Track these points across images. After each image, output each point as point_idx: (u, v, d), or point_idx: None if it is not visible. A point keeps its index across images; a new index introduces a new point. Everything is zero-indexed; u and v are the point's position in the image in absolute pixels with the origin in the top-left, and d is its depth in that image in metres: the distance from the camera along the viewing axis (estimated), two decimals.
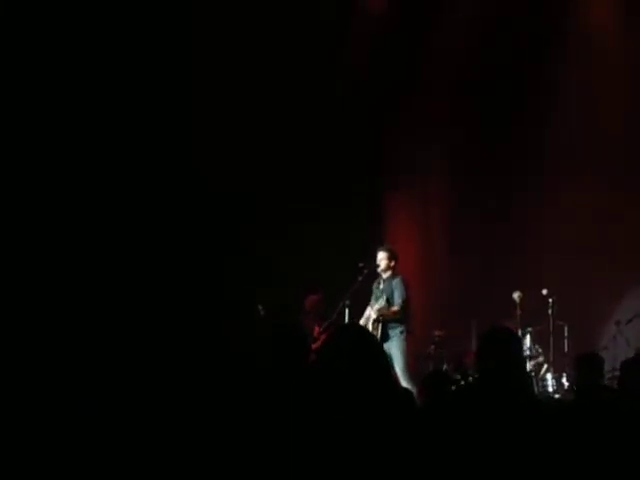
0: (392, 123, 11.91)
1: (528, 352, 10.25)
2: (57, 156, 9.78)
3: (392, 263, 9.67)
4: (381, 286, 9.64)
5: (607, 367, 9.57)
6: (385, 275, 9.64)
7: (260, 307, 10.22)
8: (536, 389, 9.45)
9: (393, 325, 9.39)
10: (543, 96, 11.49)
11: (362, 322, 9.56)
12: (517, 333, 9.62)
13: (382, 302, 9.40)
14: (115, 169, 10.03)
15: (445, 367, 10.59)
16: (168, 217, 10.42)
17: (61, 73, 9.84)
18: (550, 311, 10.19)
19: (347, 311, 9.73)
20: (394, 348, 9.33)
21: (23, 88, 9.60)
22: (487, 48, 11.42)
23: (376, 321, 9.39)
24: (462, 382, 8.80)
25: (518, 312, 10.27)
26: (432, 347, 10.99)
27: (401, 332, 9.36)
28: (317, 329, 10.45)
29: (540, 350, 10.38)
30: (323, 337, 10.37)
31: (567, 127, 11.40)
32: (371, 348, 3.68)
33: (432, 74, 11.77)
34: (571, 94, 11.37)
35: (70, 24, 9.82)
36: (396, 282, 9.54)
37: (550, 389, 9.82)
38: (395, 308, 9.40)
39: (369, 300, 9.70)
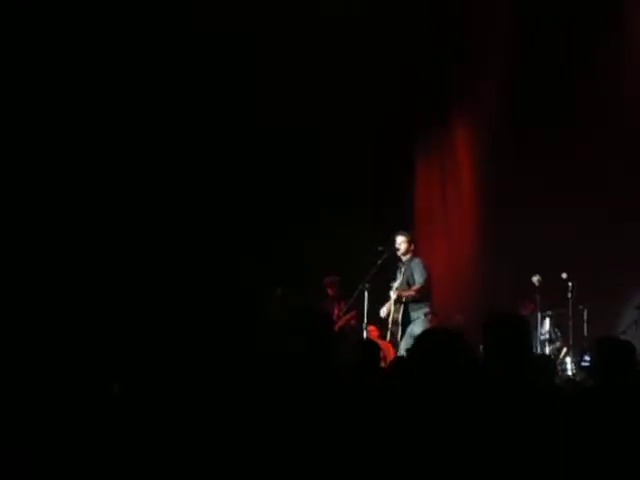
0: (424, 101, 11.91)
1: (548, 336, 10.25)
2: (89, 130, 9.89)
3: (411, 247, 9.72)
4: (402, 269, 9.68)
5: None
6: (405, 258, 9.68)
7: (279, 289, 10.28)
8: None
9: (416, 307, 9.39)
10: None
11: (386, 307, 9.59)
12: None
13: (400, 281, 9.43)
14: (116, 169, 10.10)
15: None
16: (187, 206, 10.50)
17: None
18: (570, 295, 10.16)
19: (366, 295, 9.77)
20: (417, 330, 9.32)
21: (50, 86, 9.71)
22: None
23: (397, 302, 9.41)
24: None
25: (537, 296, 10.26)
26: None
27: (425, 314, 9.34)
28: (336, 311, 10.51)
29: (560, 334, 10.38)
30: (342, 319, 10.44)
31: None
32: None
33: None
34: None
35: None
36: (415, 263, 9.58)
37: (569, 373, 9.82)
38: (416, 287, 9.42)
39: (389, 285, 9.74)
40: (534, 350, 8.91)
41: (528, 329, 4.39)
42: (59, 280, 9.31)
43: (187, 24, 10.41)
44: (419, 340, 3.99)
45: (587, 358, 8.84)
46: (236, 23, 10.44)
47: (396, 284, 9.50)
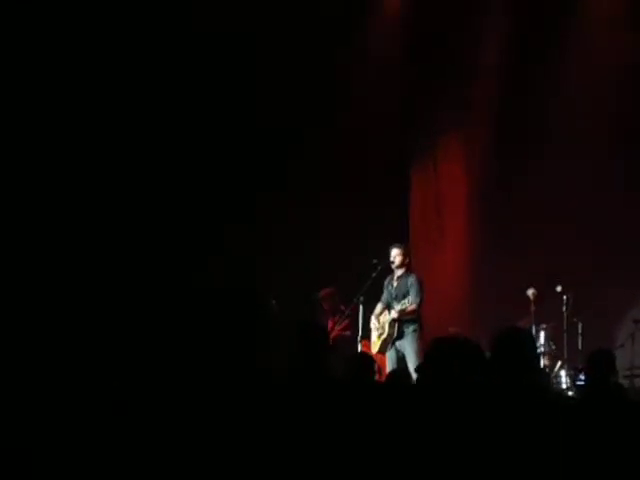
0: (417, 109, 11.94)
1: (542, 349, 10.24)
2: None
3: (406, 260, 9.67)
4: (395, 283, 9.63)
5: (625, 365, 9.62)
6: (399, 272, 9.63)
7: (274, 302, 10.24)
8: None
9: (407, 323, 9.38)
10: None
11: (374, 319, 9.57)
12: (531, 331, 9.62)
13: (406, 303, 9.37)
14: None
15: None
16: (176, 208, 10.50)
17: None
18: (564, 308, 10.18)
19: (361, 307, 9.75)
20: (407, 346, 9.33)
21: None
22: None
23: (394, 320, 9.38)
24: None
25: (532, 309, 10.26)
26: None
27: (414, 330, 9.34)
28: (331, 323, 10.49)
29: (554, 347, 10.37)
30: (337, 330, 10.43)
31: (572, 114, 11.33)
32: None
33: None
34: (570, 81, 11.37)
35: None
36: (411, 280, 9.52)
37: (564, 386, 9.82)
38: (413, 306, 9.38)
39: (385, 299, 9.71)
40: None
41: (533, 341, 4.41)
42: (52, 278, 9.30)
43: (187, 24, 10.43)
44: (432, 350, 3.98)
45: (582, 377, 8.86)
46: (236, 23, 10.47)
47: (399, 307, 9.40)
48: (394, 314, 9.36)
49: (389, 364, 9.34)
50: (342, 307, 10.48)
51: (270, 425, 4.16)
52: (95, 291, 9.50)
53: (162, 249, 10.23)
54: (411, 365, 9.15)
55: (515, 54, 11.48)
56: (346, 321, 10.38)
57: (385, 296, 9.66)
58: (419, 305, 9.40)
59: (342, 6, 11.12)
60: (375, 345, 9.53)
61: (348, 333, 10.35)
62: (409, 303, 9.33)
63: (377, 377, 7.50)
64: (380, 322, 9.51)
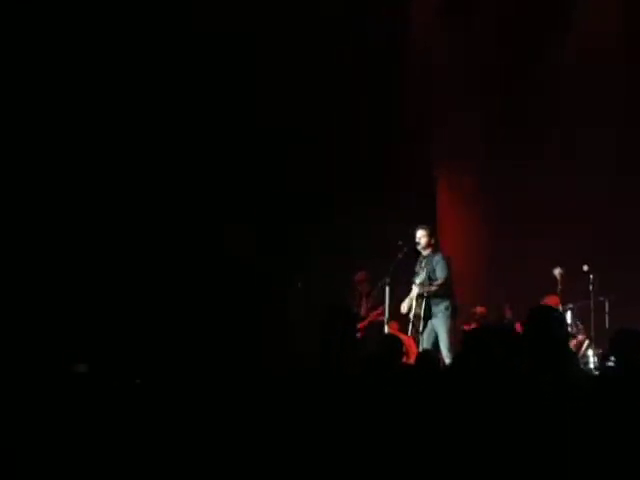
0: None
1: (569, 329, 10.22)
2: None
3: (432, 240, 9.68)
4: (422, 264, 9.64)
5: None
6: (425, 253, 9.64)
7: (299, 283, 10.27)
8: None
9: (437, 301, 9.35)
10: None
11: (407, 302, 9.59)
12: (559, 311, 9.61)
13: (423, 276, 9.38)
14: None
15: None
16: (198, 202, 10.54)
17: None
18: (591, 287, 10.16)
19: (387, 290, 9.76)
20: (439, 325, 9.31)
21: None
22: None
23: (420, 297, 9.40)
24: None
25: (559, 288, 10.24)
26: (474, 325, 11.02)
27: (446, 308, 9.32)
28: (364, 310, 10.52)
29: (582, 327, 10.36)
30: (372, 315, 10.45)
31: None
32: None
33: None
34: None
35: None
36: (437, 259, 9.52)
37: (591, 366, 9.81)
38: (438, 282, 9.38)
39: (410, 279, 9.73)
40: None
41: (563, 320, 4.42)
42: (50, 278, 9.37)
43: (187, 24, 10.45)
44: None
45: (613, 359, 8.83)
46: (236, 23, 10.47)
47: (418, 280, 9.44)
48: (417, 289, 9.38)
49: (424, 344, 9.31)
50: (372, 291, 10.53)
51: (279, 421, 4.17)
52: (96, 292, 9.56)
53: (162, 249, 10.28)
54: (442, 345, 9.17)
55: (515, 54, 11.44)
56: (380, 307, 10.41)
57: (416, 279, 9.69)
58: (445, 280, 9.39)
59: (343, 5, 11.09)
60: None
61: (382, 318, 10.37)
62: (426, 278, 9.35)
63: (405, 359, 7.55)
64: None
